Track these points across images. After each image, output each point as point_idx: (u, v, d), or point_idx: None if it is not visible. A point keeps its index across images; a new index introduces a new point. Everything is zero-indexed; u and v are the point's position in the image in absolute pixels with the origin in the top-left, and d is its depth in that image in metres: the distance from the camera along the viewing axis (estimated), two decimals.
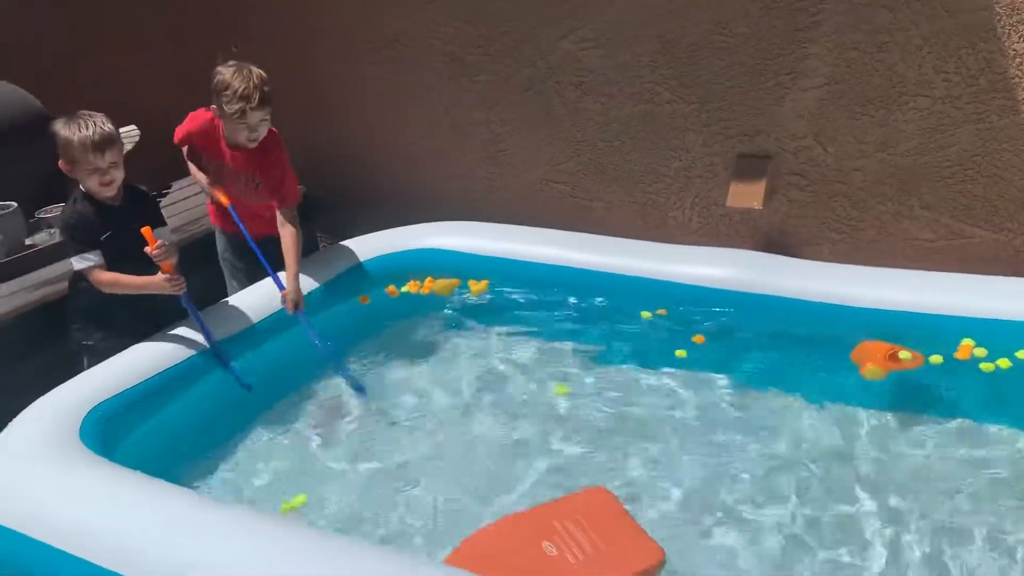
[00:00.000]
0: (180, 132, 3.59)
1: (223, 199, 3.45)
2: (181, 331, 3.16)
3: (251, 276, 3.60)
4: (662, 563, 2.39)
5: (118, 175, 3.05)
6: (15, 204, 3.81)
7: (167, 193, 4.61)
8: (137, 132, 4.57)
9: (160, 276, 3.01)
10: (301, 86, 4.64)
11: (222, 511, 2.32)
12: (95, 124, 2.96)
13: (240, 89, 3.19)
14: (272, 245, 3.42)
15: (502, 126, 4.22)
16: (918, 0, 3.16)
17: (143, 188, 3.28)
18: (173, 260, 3.03)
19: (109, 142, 2.97)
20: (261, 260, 3.37)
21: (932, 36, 3.19)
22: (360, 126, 4.61)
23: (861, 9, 3.26)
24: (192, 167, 3.63)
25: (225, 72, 3.24)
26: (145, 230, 2.96)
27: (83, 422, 2.64)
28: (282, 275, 3.34)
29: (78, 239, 3.04)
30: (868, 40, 3.30)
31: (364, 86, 4.49)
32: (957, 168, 3.35)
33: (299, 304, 3.30)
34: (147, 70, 5.11)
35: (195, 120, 3.51)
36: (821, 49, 3.39)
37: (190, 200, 4.49)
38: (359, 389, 3.30)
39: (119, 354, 3.00)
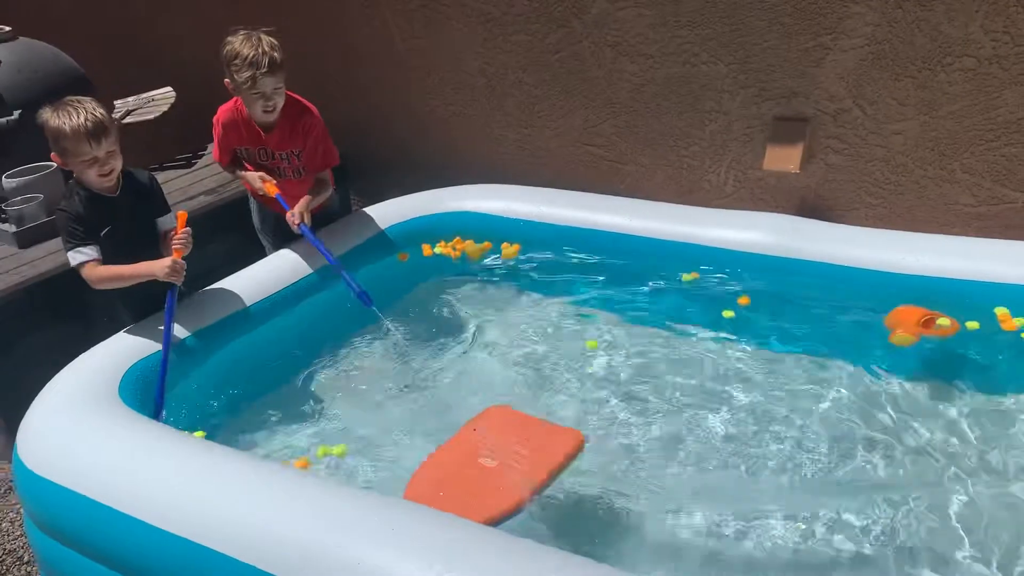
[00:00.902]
0: (216, 149, 3.58)
1: (271, 189, 3.40)
2: (216, 289, 3.20)
3: None
4: (583, 444, 2.63)
5: (116, 163, 2.85)
6: (55, 164, 3.85)
7: (203, 154, 4.65)
8: (173, 93, 4.60)
9: (166, 261, 2.84)
10: (333, 49, 4.63)
11: (255, 465, 2.36)
12: (86, 111, 2.73)
13: (250, 56, 3.16)
14: (314, 219, 3.45)
15: (536, 87, 4.18)
16: None
17: (144, 174, 3.08)
18: (188, 251, 2.89)
19: (104, 129, 2.76)
20: (312, 241, 3.35)
21: None
22: (392, 88, 4.60)
23: None
24: (238, 175, 3.59)
25: (234, 41, 3.22)
26: (180, 214, 2.83)
27: (122, 380, 2.70)
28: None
29: (77, 236, 2.83)
30: None
31: (396, 48, 4.47)
32: (1002, 131, 3.26)
33: (304, 217, 3.33)
34: (183, 28, 5.12)
35: (219, 120, 3.48)
36: (863, 8, 3.30)
37: None
38: (363, 298, 3.30)
39: (156, 315, 3.03)
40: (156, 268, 2.85)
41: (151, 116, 4.47)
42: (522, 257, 3.81)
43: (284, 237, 3.55)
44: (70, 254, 2.86)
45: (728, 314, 3.32)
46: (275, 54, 3.21)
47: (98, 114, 2.76)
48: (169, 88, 4.62)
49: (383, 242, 3.79)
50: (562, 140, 4.24)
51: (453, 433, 2.73)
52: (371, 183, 4.64)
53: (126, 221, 2.90)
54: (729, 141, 3.80)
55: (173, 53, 5.17)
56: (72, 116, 2.72)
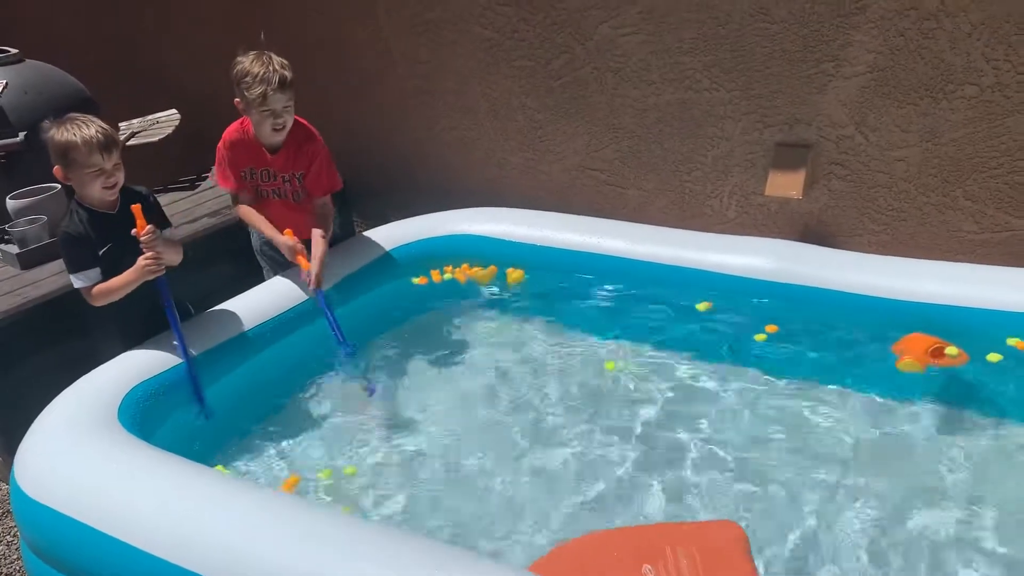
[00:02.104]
0: (220, 175, 3.54)
1: (303, 263, 3.32)
2: (216, 314, 3.19)
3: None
4: (744, 534, 2.27)
5: (120, 177, 2.93)
6: (59, 186, 3.87)
7: (207, 176, 4.67)
8: (178, 115, 4.62)
9: (140, 261, 2.87)
10: (337, 72, 4.66)
11: (254, 493, 2.34)
12: (96, 124, 2.84)
13: (260, 73, 3.19)
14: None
15: (539, 112, 4.20)
16: None
17: (142, 189, 3.12)
18: (161, 250, 2.91)
19: (114, 142, 2.87)
20: (326, 313, 3.31)
21: (982, 23, 3.10)
22: (396, 112, 4.62)
23: None
24: (255, 221, 3.50)
25: (244, 60, 3.25)
26: (135, 207, 2.84)
27: (121, 403, 2.69)
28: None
29: (77, 256, 2.92)
30: (914, 27, 3.22)
31: (400, 72, 4.49)
32: (1005, 159, 3.26)
33: (319, 282, 3.31)
34: (187, 51, 5.16)
35: (225, 140, 3.47)
36: (865, 36, 3.31)
37: None
38: (371, 390, 3.27)
39: (157, 336, 3.03)
40: (136, 271, 2.89)
41: (156, 138, 4.49)
42: (528, 282, 3.80)
43: (285, 260, 3.55)
44: (72, 277, 2.94)
45: (760, 337, 3.31)
46: (286, 72, 3.25)
47: (107, 128, 2.86)
48: (174, 110, 4.65)
49: (386, 265, 3.79)
50: (564, 164, 4.25)
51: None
52: (374, 206, 4.66)
53: (126, 238, 2.92)
54: (731, 167, 3.81)
55: (176, 76, 5.20)
56: (82, 128, 2.81)
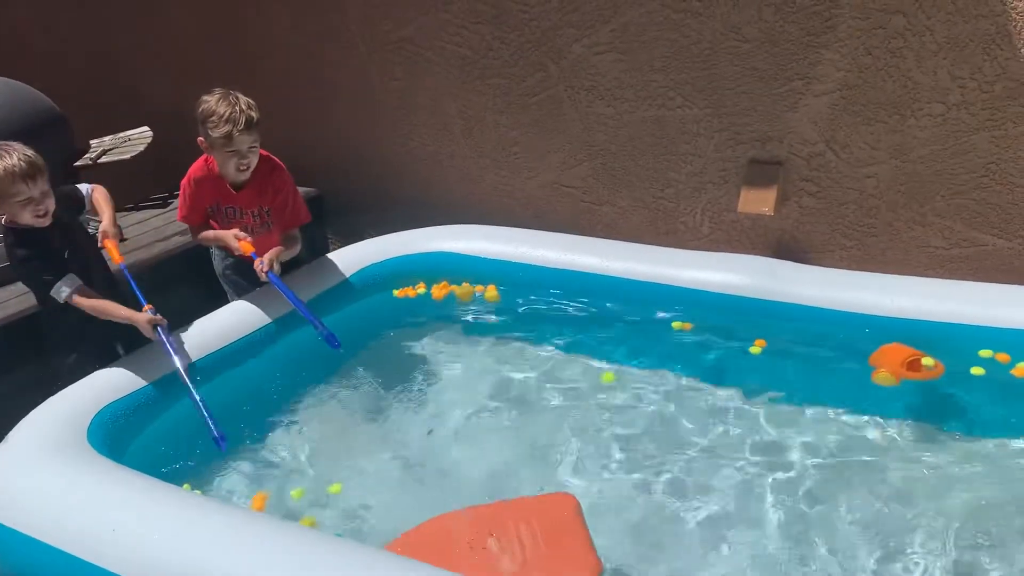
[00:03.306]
0: (182, 208, 3.50)
1: (246, 247, 3.33)
2: (187, 332, 3.17)
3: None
4: (577, 503, 2.50)
5: (50, 203, 2.88)
6: None
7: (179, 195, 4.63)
8: (149, 133, 4.59)
9: (145, 315, 2.93)
10: (310, 89, 4.65)
11: (227, 514, 2.31)
12: (18, 153, 2.77)
13: (226, 113, 3.16)
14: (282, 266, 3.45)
15: (513, 129, 4.21)
16: (933, 5, 3.14)
17: (61, 190, 3.08)
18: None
19: (38, 169, 2.80)
20: (279, 287, 3.27)
21: (947, 42, 3.16)
22: (370, 129, 4.61)
23: (875, 14, 3.24)
24: (205, 235, 3.51)
25: (210, 99, 3.22)
26: (108, 244, 2.94)
27: (91, 424, 2.65)
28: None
29: (42, 270, 2.89)
30: (882, 46, 3.28)
31: (375, 88, 4.50)
32: (971, 175, 3.32)
33: (273, 265, 3.27)
34: (160, 67, 5.13)
35: (191, 178, 3.44)
36: (835, 54, 3.36)
37: None
38: (331, 340, 3.18)
39: (127, 356, 3.00)
40: (136, 321, 2.94)
41: (127, 155, 4.45)
42: (504, 299, 3.79)
43: (250, 282, 3.52)
44: (53, 294, 2.89)
45: (755, 349, 3.31)
46: (252, 112, 3.22)
47: (30, 155, 2.79)
48: (146, 128, 4.61)
49: (360, 283, 3.77)
50: (539, 181, 4.26)
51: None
52: (348, 223, 4.64)
53: (75, 236, 2.98)
54: (705, 183, 3.84)
55: (149, 93, 5.17)
56: (5, 159, 2.75)
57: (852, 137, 3.46)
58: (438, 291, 3.85)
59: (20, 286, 3.56)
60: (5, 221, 2.91)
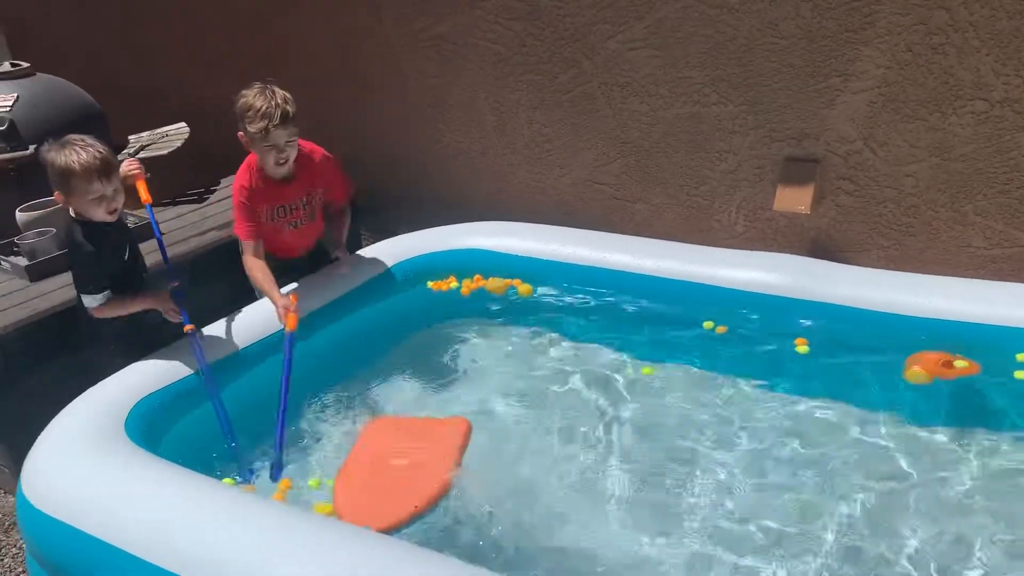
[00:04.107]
0: (241, 224, 3.37)
1: (291, 323, 3.11)
2: (221, 326, 3.19)
3: None
4: (470, 428, 2.90)
5: (120, 200, 2.89)
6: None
7: (216, 190, 4.68)
8: (187, 128, 4.64)
9: (161, 295, 2.94)
10: (344, 87, 4.68)
11: (262, 506, 2.33)
12: (95, 149, 2.76)
13: (263, 108, 3.18)
14: (309, 260, 3.55)
15: (546, 126, 4.20)
16: (976, 1, 3.08)
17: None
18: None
19: (112, 167, 2.81)
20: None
21: (991, 38, 3.10)
22: (404, 126, 4.63)
23: (917, 9, 3.18)
24: (261, 278, 3.31)
25: (248, 94, 3.24)
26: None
27: (128, 415, 2.68)
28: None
29: (91, 281, 2.90)
30: (923, 41, 3.22)
31: (408, 86, 4.51)
32: (1015, 174, 3.25)
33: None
34: (196, 64, 5.19)
35: (241, 187, 3.37)
36: (874, 51, 3.31)
37: None
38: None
39: (164, 349, 3.03)
40: (150, 302, 2.97)
41: (165, 151, 4.50)
42: (538, 295, 3.77)
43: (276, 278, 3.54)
44: (86, 298, 2.91)
45: (803, 349, 3.26)
46: (288, 107, 3.23)
47: (104, 151, 2.79)
48: (183, 124, 4.66)
49: (393, 278, 3.78)
50: (572, 178, 4.25)
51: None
52: (380, 220, 4.66)
53: (126, 245, 3.00)
54: (739, 181, 3.81)
55: (186, 89, 5.23)
56: (81, 154, 2.74)
57: (891, 135, 3.41)
58: (469, 285, 3.84)
59: (59, 280, 3.63)
60: (73, 213, 2.92)
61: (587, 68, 3.96)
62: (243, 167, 3.43)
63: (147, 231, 3.37)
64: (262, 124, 3.19)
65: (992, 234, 3.37)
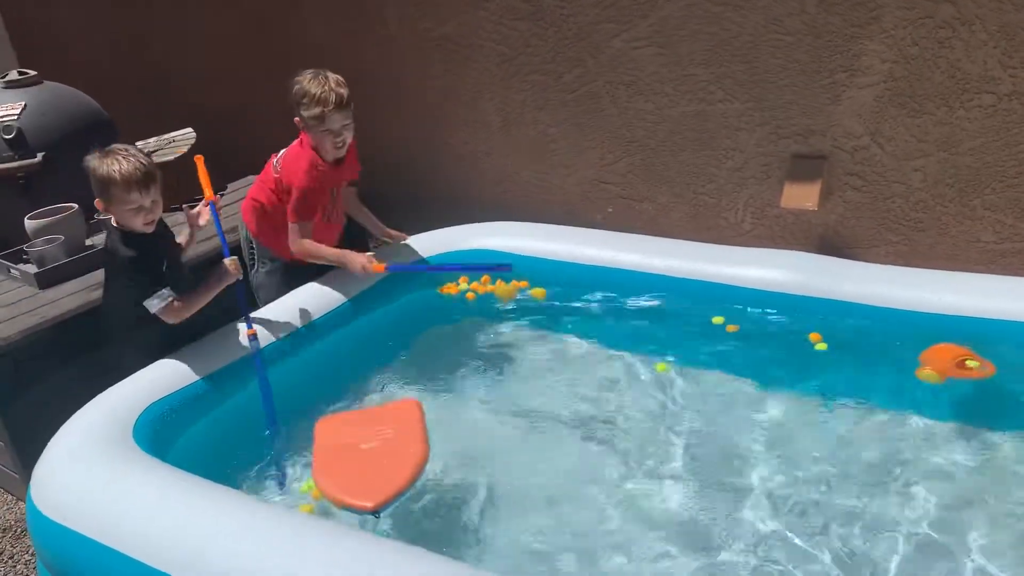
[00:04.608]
0: (301, 207, 3.36)
1: (378, 267, 3.44)
2: (229, 332, 3.20)
3: None
4: (422, 408, 2.90)
5: (159, 211, 2.92)
6: (76, 206, 3.90)
7: (223, 194, 4.69)
8: (193, 134, 4.66)
9: (228, 268, 2.99)
10: (349, 86, 4.66)
11: (271, 512, 2.34)
12: (136, 159, 2.80)
13: (318, 94, 3.24)
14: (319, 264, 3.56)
15: (552, 126, 4.19)
16: None
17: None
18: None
19: (153, 178, 2.83)
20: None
21: (998, 31, 3.07)
22: (409, 127, 4.63)
23: (922, 3, 3.16)
24: (320, 250, 3.44)
25: (302, 80, 3.29)
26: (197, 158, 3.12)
27: (137, 422, 2.69)
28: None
29: (147, 283, 2.89)
30: (930, 35, 3.20)
31: (413, 86, 4.51)
32: None
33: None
34: (202, 68, 5.20)
35: (307, 188, 3.36)
36: (879, 45, 3.29)
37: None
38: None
39: (172, 353, 3.04)
40: (225, 280, 3.01)
41: (172, 157, 4.51)
42: (547, 296, 3.76)
43: (286, 283, 3.57)
44: (148, 304, 2.89)
45: (821, 347, 3.23)
46: (342, 91, 3.28)
47: (145, 162, 2.82)
48: (190, 129, 4.68)
49: (403, 280, 3.77)
50: (578, 178, 4.24)
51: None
52: (387, 220, 4.64)
53: (168, 251, 3.01)
54: (746, 178, 3.79)
55: (194, 93, 5.25)
56: (122, 164, 2.78)
57: (898, 130, 3.38)
58: (480, 288, 3.82)
59: (67, 287, 3.65)
60: (114, 222, 2.95)
61: (592, 67, 3.95)
62: (301, 151, 3.41)
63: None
64: (317, 110, 3.23)
65: (1002, 228, 3.34)
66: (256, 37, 4.85)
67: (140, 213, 2.85)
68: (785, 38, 3.45)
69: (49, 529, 2.39)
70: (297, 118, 3.34)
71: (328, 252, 3.47)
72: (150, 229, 2.93)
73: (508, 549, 2.57)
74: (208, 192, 3.31)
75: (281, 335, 3.25)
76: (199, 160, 3.43)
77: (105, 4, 5.55)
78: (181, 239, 3.28)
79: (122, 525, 2.28)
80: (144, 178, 2.80)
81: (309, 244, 3.44)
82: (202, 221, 3.22)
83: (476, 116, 4.39)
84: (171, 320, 2.95)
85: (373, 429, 2.81)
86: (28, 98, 4.23)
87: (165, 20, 5.28)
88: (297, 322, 3.33)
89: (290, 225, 3.42)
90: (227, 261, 3.05)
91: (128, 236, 2.94)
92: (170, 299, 2.91)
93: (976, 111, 3.22)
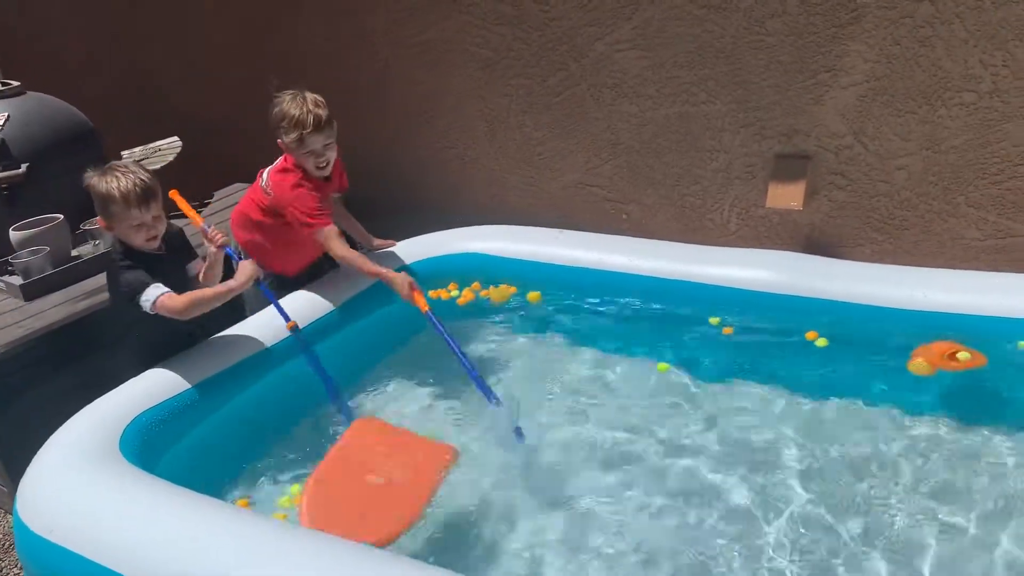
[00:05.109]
0: (316, 212, 3.32)
1: (423, 303, 3.32)
2: (222, 339, 3.19)
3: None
4: (457, 456, 2.77)
5: (162, 227, 2.89)
6: (61, 216, 3.89)
7: (209, 203, 4.68)
8: (179, 143, 4.64)
9: (247, 270, 2.98)
10: (335, 93, 4.65)
11: (258, 523, 2.33)
12: (135, 176, 2.78)
13: (296, 115, 3.22)
14: (307, 277, 3.60)
15: (537, 130, 4.20)
16: None
17: (174, 226, 3.11)
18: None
19: (153, 194, 2.81)
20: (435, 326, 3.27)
21: (978, 29, 3.09)
22: (395, 132, 4.63)
23: (902, 3, 3.17)
24: (363, 263, 3.40)
25: (280, 102, 3.27)
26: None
27: (123, 434, 2.68)
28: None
29: (143, 280, 2.83)
30: (910, 35, 3.21)
31: (399, 92, 4.50)
32: (1006, 164, 3.24)
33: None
34: (188, 77, 5.19)
35: (303, 178, 3.36)
36: (861, 45, 3.30)
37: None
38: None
39: (159, 366, 3.02)
40: (235, 284, 2.97)
41: (158, 166, 4.50)
42: (544, 301, 3.75)
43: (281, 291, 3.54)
44: (143, 298, 2.82)
45: (822, 343, 3.25)
46: (320, 111, 3.25)
47: (145, 178, 2.80)
48: (175, 138, 4.66)
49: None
50: (564, 181, 4.24)
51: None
52: (375, 226, 4.64)
53: (174, 275, 2.95)
54: (731, 179, 3.80)
55: (180, 103, 5.23)
56: (121, 181, 2.76)
57: (881, 129, 3.40)
58: (469, 294, 3.82)
59: (53, 299, 3.64)
60: (119, 240, 2.91)
61: (575, 71, 3.95)
62: (286, 176, 3.36)
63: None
64: (296, 133, 3.22)
65: (985, 225, 3.36)
66: (243, 47, 4.84)
67: (142, 230, 2.83)
68: (767, 39, 3.47)
69: (35, 543, 2.37)
70: (280, 140, 3.32)
71: (373, 267, 3.37)
72: (153, 245, 2.89)
73: (506, 553, 2.58)
74: (197, 220, 3.27)
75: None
76: (175, 195, 3.34)
77: (88, 15, 5.53)
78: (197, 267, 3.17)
79: (108, 539, 2.27)
80: (144, 194, 2.78)
81: (357, 257, 3.39)
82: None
83: (462, 120, 4.39)
84: (178, 316, 2.84)
85: (396, 459, 2.71)
86: (12, 109, 4.22)
87: (150, 29, 5.26)
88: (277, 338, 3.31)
89: (317, 234, 3.34)
90: (245, 263, 3.07)
91: (129, 251, 2.90)
92: (165, 291, 2.82)
93: (958, 109, 3.24)
